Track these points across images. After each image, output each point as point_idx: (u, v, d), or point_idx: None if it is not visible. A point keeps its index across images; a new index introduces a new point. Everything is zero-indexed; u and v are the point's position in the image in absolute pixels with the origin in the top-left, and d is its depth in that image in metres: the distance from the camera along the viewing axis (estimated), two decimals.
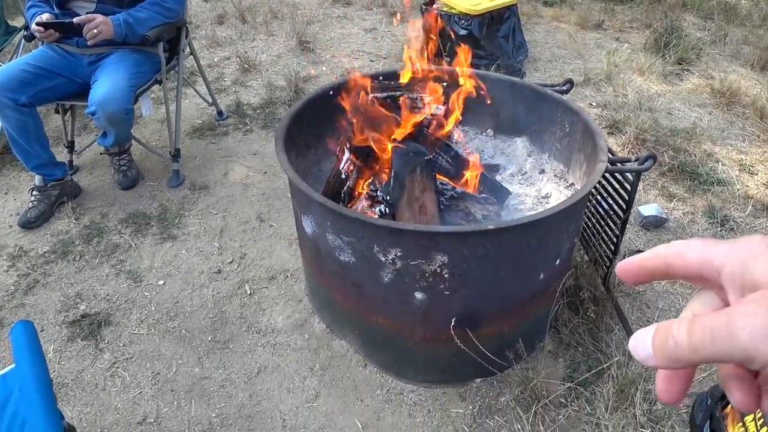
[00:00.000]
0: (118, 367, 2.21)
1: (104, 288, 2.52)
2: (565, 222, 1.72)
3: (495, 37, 3.76)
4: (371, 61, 4.27)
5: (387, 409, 2.00)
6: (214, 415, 2.04)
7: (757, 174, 3.26)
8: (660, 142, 3.28)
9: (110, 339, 2.31)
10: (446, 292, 1.66)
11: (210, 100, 3.59)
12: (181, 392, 2.10)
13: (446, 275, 1.61)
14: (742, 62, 4.41)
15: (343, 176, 1.82)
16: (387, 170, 1.78)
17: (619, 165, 1.90)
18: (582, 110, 2.16)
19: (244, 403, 2.07)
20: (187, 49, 3.28)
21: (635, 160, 1.92)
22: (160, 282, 2.55)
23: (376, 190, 1.79)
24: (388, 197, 1.73)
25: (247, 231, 2.80)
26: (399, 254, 1.57)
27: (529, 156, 2.37)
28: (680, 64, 4.21)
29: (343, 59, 4.30)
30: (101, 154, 3.22)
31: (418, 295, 1.68)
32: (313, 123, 2.20)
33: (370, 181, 1.81)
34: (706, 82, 4.07)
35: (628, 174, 1.99)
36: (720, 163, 3.29)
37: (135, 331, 2.34)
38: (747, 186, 3.15)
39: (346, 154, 1.79)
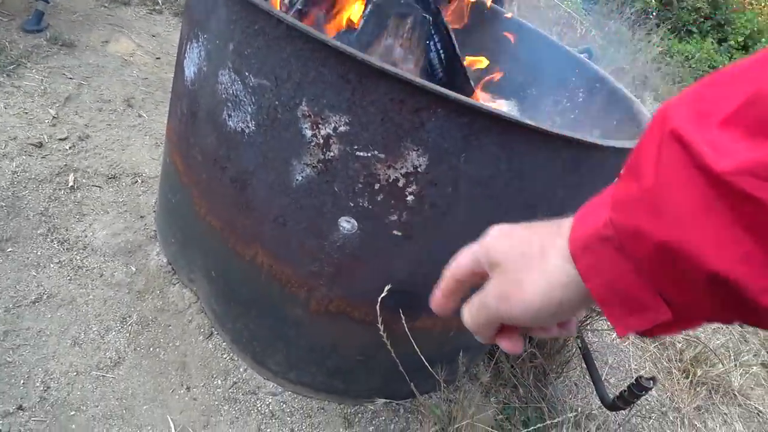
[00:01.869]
0: None
1: None
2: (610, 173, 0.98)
3: None
4: None
5: (225, 412, 1.13)
6: None
7: None
8: None
9: None
10: (397, 232, 0.85)
11: None
12: None
13: (411, 196, 0.80)
14: None
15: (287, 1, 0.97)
16: (357, 16, 0.96)
17: None
18: (609, 77, 1.49)
19: None
20: None
21: None
22: None
23: (342, 21, 0.96)
24: (353, 38, 0.90)
25: (104, 111, 1.85)
26: (343, 128, 0.75)
27: None
28: None
29: None
30: None
31: (346, 223, 0.85)
32: None
33: (323, 18, 0.98)
34: None
35: None
36: None
37: None
38: None
39: None
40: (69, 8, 2.32)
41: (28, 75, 1.87)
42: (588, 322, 1.61)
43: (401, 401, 1.23)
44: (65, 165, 1.59)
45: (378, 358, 1.04)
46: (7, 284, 1.24)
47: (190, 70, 0.97)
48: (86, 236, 1.42)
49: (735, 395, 1.94)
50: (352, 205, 0.83)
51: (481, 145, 0.76)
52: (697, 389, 1.86)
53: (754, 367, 2.16)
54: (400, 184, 0.79)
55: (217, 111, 0.89)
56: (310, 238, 0.90)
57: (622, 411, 1.29)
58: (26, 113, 1.71)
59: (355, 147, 0.77)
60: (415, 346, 0.96)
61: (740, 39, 5.77)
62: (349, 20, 0.91)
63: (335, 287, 0.95)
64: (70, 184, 1.53)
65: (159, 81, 2.09)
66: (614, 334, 1.92)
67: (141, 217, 1.51)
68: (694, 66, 5.39)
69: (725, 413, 1.87)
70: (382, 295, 0.91)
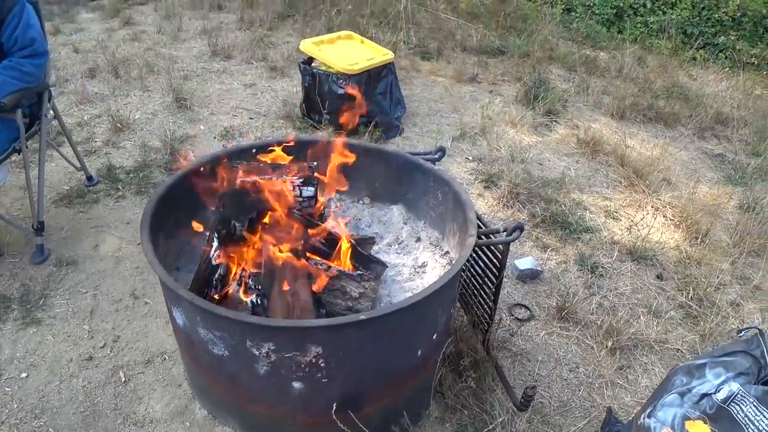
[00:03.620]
0: None
1: None
2: (439, 300, 1.79)
3: (373, 95, 3.88)
4: (251, 118, 4.24)
5: None
6: None
7: (620, 219, 3.55)
8: (533, 194, 3.50)
9: None
10: (324, 380, 1.66)
11: (78, 165, 3.42)
12: None
13: (322, 364, 1.61)
14: (603, 111, 4.83)
15: (214, 263, 1.79)
16: (257, 257, 1.77)
17: (489, 237, 2.01)
18: (453, 181, 2.27)
19: None
20: (50, 113, 3.12)
21: (504, 231, 2.04)
22: (23, 375, 2.35)
23: (249, 277, 1.78)
24: (260, 286, 1.72)
25: (120, 310, 2.66)
26: (272, 348, 1.57)
27: (405, 224, 2.44)
28: (549, 115, 4.55)
29: (222, 117, 4.25)
30: None
31: (296, 384, 1.67)
32: (182, 202, 2.15)
33: (241, 267, 1.80)
34: (572, 132, 4.41)
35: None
36: (588, 211, 3.56)
37: None
38: (612, 231, 3.43)
39: (215, 244, 1.77)
40: (56, 226, 3.14)
41: (55, 303, 2.69)
42: (505, 342, 2.41)
43: None
44: (113, 366, 2.40)
45: None
46: None
47: (180, 320, 1.78)
48: (149, 413, 2.23)
49: (652, 345, 2.70)
50: (295, 376, 1.64)
51: (346, 332, 1.58)
52: (616, 354, 2.63)
53: (671, 312, 2.92)
54: (314, 360, 1.60)
55: (206, 345, 1.71)
56: (280, 395, 1.72)
57: (525, 410, 2.09)
58: (69, 336, 2.53)
59: (283, 353, 1.58)
60: (363, 427, 1.78)
61: None
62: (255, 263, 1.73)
63: (306, 413, 1.78)
64: (123, 379, 2.35)
65: (147, 266, 2.89)
66: (542, 334, 2.70)
67: (179, 385, 2.32)
68: (597, 12, 6.15)
69: (645, 363, 2.63)
70: (333, 409, 1.73)
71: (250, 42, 5.42)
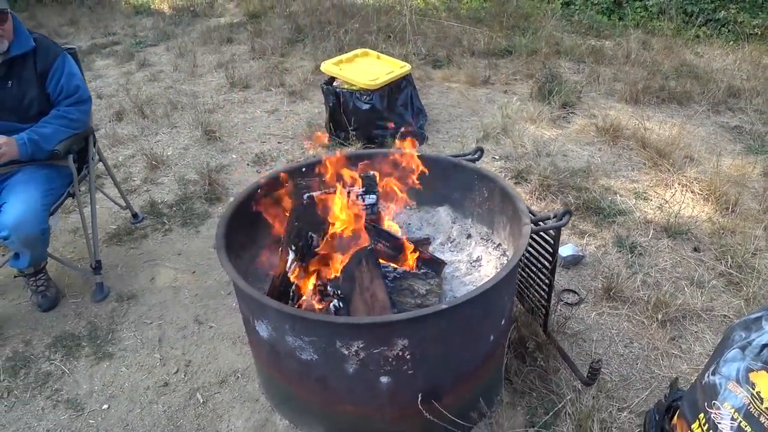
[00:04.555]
0: None
1: (42, 423, 2.40)
2: (506, 286, 1.89)
3: (395, 107, 4.01)
4: (279, 143, 4.39)
5: None
6: None
7: (650, 199, 3.64)
8: (563, 185, 3.61)
9: None
10: (409, 372, 1.76)
11: (123, 204, 3.56)
12: None
13: (408, 356, 1.72)
14: (617, 98, 4.94)
15: (291, 275, 1.90)
16: (332, 265, 1.89)
17: (541, 224, 2.11)
18: (498, 177, 2.37)
19: None
20: (97, 156, 3.26)
21: (553, 217, 2.14)
22: (105, 406, 2.46)
23: (325, 285, 1.90)
24: (339, 291, 1.83)
25: (186, 336, 2.78)
26: (362, 345, 1.67)
27: (453, 223, 2.55)
28: (565, 108, 4.66)
29: (251, 144, 4.39)
30: (15, 277, 3.08)
31: (384, 379, 1.77)
32: (244, 223, 2.27)
33: (319, 275, 1.91)
34: (591, 121, 4.52)
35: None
36: (618, 195, 3.65)
37: None
38: (645, 212, 3.52)
39: (291, 256, 1.88)
40: (111, 264, 3.27)
41: (123, 336, 2.81)
42: (561, 326, 2.50)
43: None
44: (190, 389, 2.51)
45: (434, 426, 1.94)
46: None
47: (264, 332, 1.89)
48: (231, 429, 2.33)
49: (700, 314, 2.78)
50: (383, 371, 1.75)
51: (429, 322, 1.68)
52: (666, 326, 2.71)
53: (713, 281, 3.00)
54: (401, 353, 1.71)
55: (293, 352, 1.81)
56: (368, 392, 1.82)
57: (593, 384, 2.18)
58: (142, 366, 2.65)
59: (372, 349, 1.69)
60: (447, 414, 1.88)
61: None
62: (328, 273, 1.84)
63: (393, 407, 1.88)
64: (201, 400, 2.46)
65: (205, 291, 3.03)
66: (593, 315, 2.79)
67: (256, 400, 2.43)
68: (596, 2, 6.27)
69: (695, 331, 2.71)
70: (418, 400, 1.83)
71: (266, 70, 5.60)
